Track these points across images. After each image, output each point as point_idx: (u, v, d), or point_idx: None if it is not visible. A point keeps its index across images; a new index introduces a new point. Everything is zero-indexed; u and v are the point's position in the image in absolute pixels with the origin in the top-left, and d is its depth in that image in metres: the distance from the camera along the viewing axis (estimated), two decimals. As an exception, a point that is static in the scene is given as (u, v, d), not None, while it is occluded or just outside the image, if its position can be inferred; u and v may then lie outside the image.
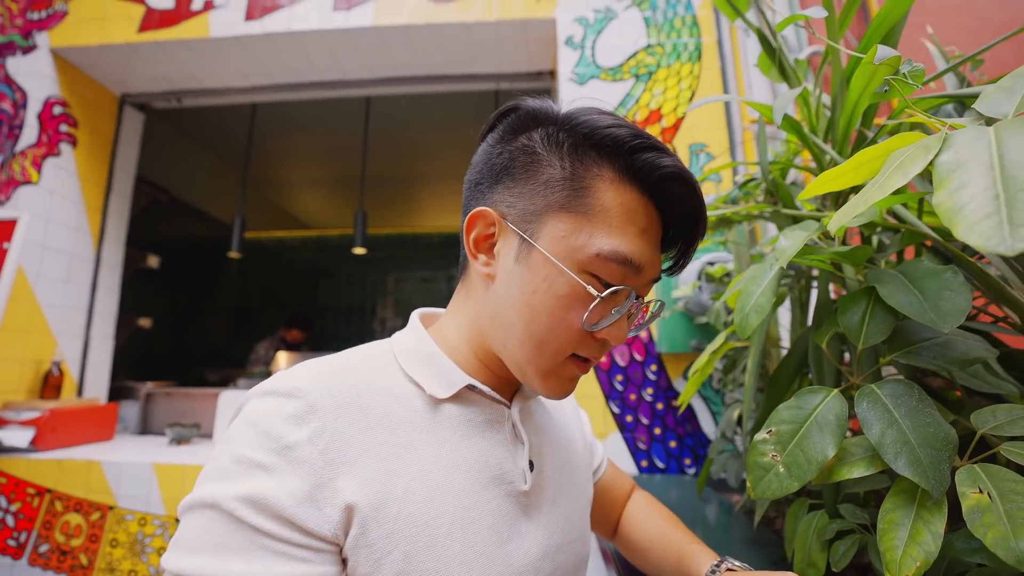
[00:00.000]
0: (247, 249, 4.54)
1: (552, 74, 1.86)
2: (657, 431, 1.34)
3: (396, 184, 3.95)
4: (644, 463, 1.33)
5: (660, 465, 1.32)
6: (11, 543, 1.56)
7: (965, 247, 0.54)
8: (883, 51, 0.42)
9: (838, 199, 0.67)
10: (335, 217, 4.73)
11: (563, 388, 0.45)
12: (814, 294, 0.74)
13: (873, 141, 0.63)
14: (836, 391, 0.46)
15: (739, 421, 0.97)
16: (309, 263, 4.67)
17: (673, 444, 1.33)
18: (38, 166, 1.88)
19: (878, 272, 0.50)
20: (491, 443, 0.45)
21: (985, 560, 0.37)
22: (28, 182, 1.86)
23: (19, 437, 1.62)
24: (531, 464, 0.47)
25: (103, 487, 1.54)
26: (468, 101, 2.24)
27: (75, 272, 1.99)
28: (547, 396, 0.45)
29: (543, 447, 0.51)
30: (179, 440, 1.83)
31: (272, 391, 0.38)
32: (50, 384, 1.84)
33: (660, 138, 1.50)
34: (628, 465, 1.34)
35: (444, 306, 0.53)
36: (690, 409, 1.35)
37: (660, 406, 1.34)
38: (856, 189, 0.61)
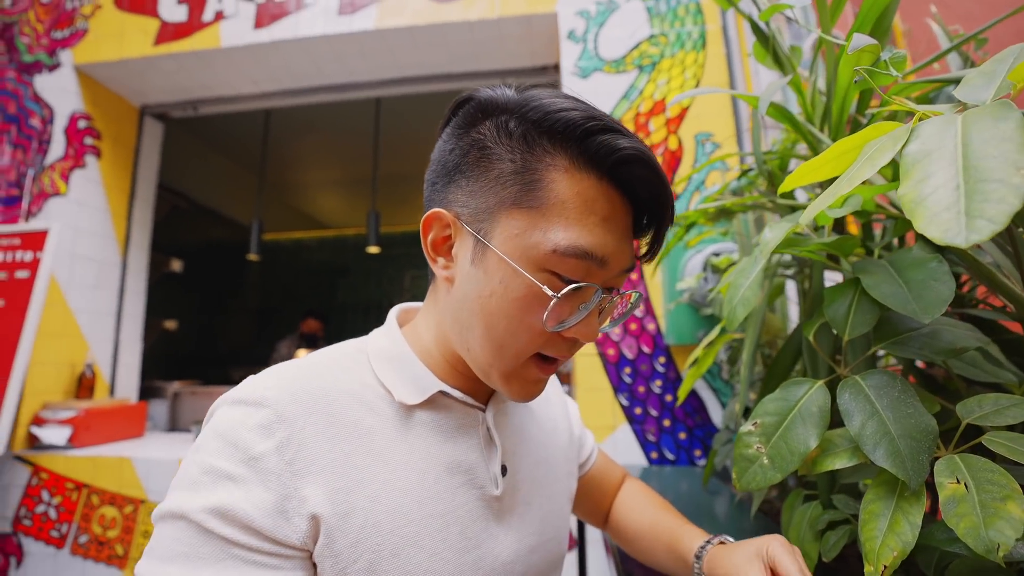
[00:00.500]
0: (267, 251, 4.65)
1: (556, 68, 1.86)
2: (667, 423, 1.34)
3: (410, 182, 3.99)
4: (654, 455, 1.33)
5: (670, 457, 1.32)
6: (54, 534, 1.65)
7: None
8: (858, 39, 0.41)
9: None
10: (352, 217, 4.81)
11: (528, 391, 0.43)
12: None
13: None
14: (820, 383, 0.46)
15: (746, 413, 0.97)
16: (327, 263, 4.76)
17: (683, 436, 1.33)
18: (66, 178, 1.97)
19: (865, 262, 0.49)
20: (463, 448, 0.45)
21: (963, 550, 0.37)
22: (57, 194, 1.94)
23: (57, 435, 1.71)
24: (504, 469, 0.47)
25: (134, 482, 1.61)
26: (475, 98, 2.23)
27: (103, 278, 2.08)
28: (513, 399, 0.44)
29: (519, 448, 0.51)
30: (205, 437, 1.89)
31: (240, 400, 0.38)
32: (84, 385, 1.93)
33: (665, 129, 1.49)
34: (638, 457, 1.34)
35: None
36: (699, 400, 1.34)
37: (669, 398, 1.34)
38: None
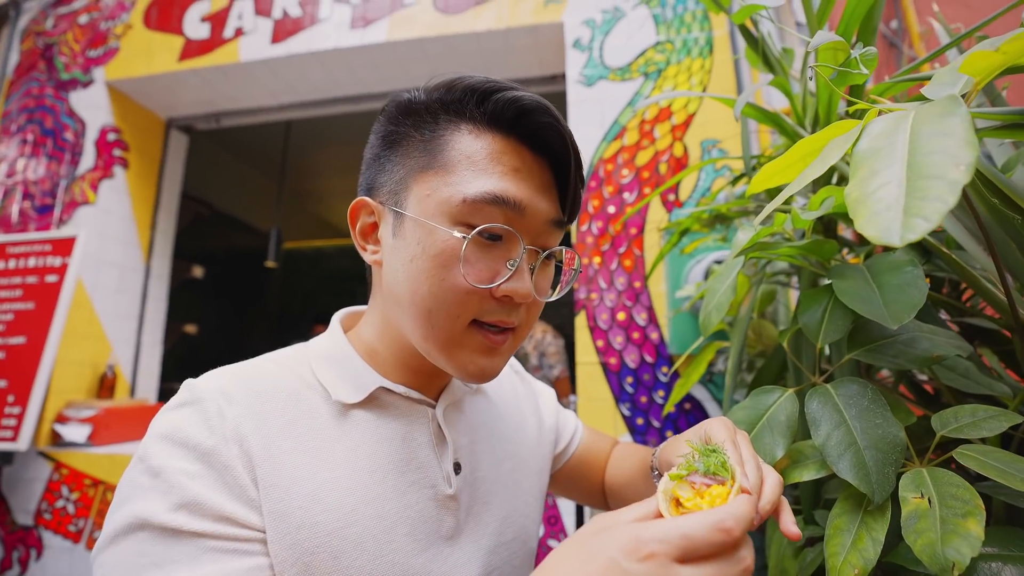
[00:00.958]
0: (288, 258, 4.78)
1: (564, 77, 1.86)
2: (669, 434, 1.30)
3: (426, 192, 4.03)
4: (656, 468, 1.30)
5: (672, 470, 1.29)
6: (72, 529, 1.71)
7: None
8: (820, 36, 0.40)
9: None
10: (370, 226, 4.88)
11: (478, 364, 0.41)
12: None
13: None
14: (790, 391, 0.45)
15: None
16: (347, 270, 4.85)
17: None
18: (95, 188, 2.07)
19: (842, 267, 0.48)
20: (413, 446, 0.44)
21: (923, 569, 0.34)
22: (86, 203, 2.04)
23: (78, 433, 1.78)
24: (457, 466, 0.46)
25: (148, 482, 1.66)
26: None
27: (127, 283, 2.17)
28: (465, 378, 0.42)
29: (477, 445, 0.49)
30: (217, 439, 1.94)
31: (180, 403, 0.37)
32: (105, 385, 2.00)
33: (671, 136, 1.47)
34: (641, 470, 1.31)
35: None
36: (703, 411, 1.31)
37: (672, 409, 1.31)
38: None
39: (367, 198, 0.44)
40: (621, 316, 1.41)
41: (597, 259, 1.47)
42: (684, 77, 1.49)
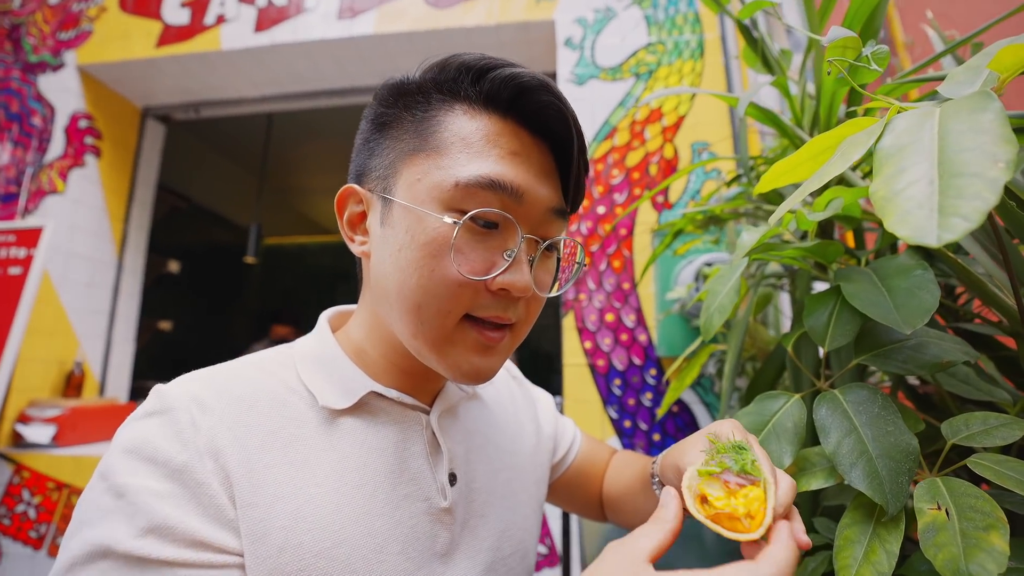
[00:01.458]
0: (269, 254, 4.67)
1: (554, 76, 1.85)
2: (656, 437, 1.30)
3: (411, 189, 3.99)
4: (644, 471, 1.29)
5: (660, 473, 1.28)
6: (32, 534, 1.63)
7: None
8: (835, 31, 0.39)
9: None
10: (353, 223, 4.80)
11: (472, 364, 0.38)
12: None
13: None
14: (796, 397, 0.43)
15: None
16: (328, 267, 4.76)
17: (673, 451, 1.29)
18: (64, 176, 1.97)
19: (848, 270, 0.47)
20: (405, 456, 0.40)
21: (942, 584, 0.33)
22: (54, 192, 1.95)
23: (41, 433, 1.69)
24: (453, 477, 0.43)
25: (116, 485, 1.59)
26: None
27: (98, 277, 2.08)
28: (458, 379, 0.38)
29: (473, 454, 0.47)
30: (191, 440, 1.87)
31: (148, 412, 0.34)
32: (72, 383, 1.91)
33: (661, 137, 1.47)
34: (628, 472, 1.30)
35: None
36: (690, 414, 1.31)
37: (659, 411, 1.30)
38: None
39: (355, 185, 0.41)
40: (610, 317, 1.40)
41: (586, 260, 1.46)
42: (675, 79, 1.49)
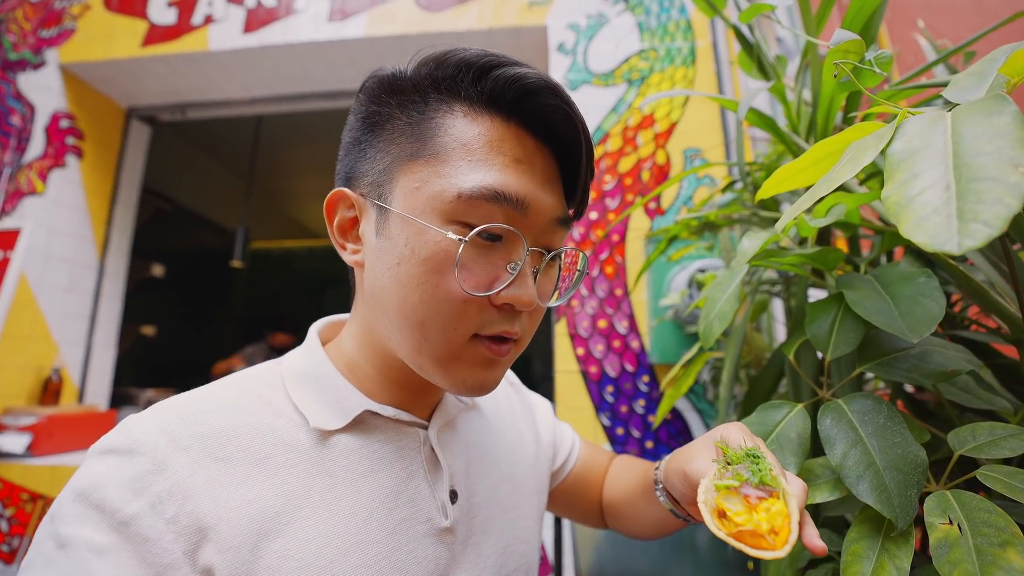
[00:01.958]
0: (256, 259, 4.60)
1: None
2: (649, 444, 1.29)
3: (402, 194, 3.96)
4: (637, 478, 1.28)
5: (653, 481, 1.27)
6: (3, 548, 1.56)
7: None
8: (840, 34, 0.39)
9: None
10: (343, 227, 4.76)
11: (477, 378, 0.36)
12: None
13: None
14: (800, 406, 0.42)
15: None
16: (317, 272, 4.70)
17: (666, 459, 1.28)
18: (44, 177, 1.92)
19: (850, 277, 0.46)
20: (401, 476, 0.38)
21: (955, 602, 0.32)
22: (33, 193, 1.89)
23: (15, 443, 1.63)
24: (454, 494, 0.41)
25: (94, 496, 1.53)
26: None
27: (78, 280, 2.02)
28: (461, 392, 0.37)
29: (472, 467, 0.45)
30: (174, 449, 1.82)
31: (109, 449, 0.31)
32: (49, 390, 1.85)
33: (654, 144, 1.47)
34: (621, 480, 1.29)
35: None
36: (683, 422, 1.30)
37: (652, 418, 1.29)
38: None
39: (346, 189, 0.38)
40: (602, 324, 1.39)
41: (588, 268, 1.45)
42: (667, 85, 1.50)
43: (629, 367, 1.34)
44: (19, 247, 1.72)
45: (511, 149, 0.35)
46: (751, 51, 0.71)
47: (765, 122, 0.60)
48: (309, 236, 4.97)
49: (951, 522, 0.31)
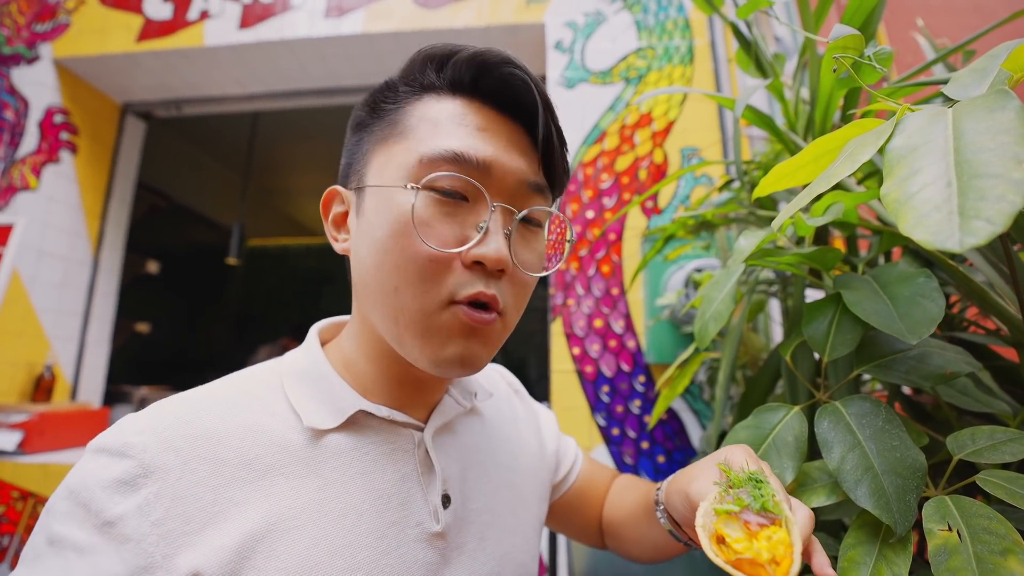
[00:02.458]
0: (252, 256, 4.58)
1: (543, 79, 1.84)
2: (645, 445, 1.28)
3: (399, 192, 3.94)
4: (632, 479, 1.27)
5: (648, 481, 1.26)
6: (-6, 549, 1.55)
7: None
8: (839, 29, 0.38)
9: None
10: (340, 225, 4.75)
11: (457, 349, 0.35)
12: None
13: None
14: (796, 409, 0.42)
15: (721, 438, 0.92)
16: (313, 270, 4.68)
17: (661, 459, 1.27)
18: (37, 172, 1.90)
19: (847, 277, 0.45)
20: (394, 479, 0.38)
21: (954, 610, 0.31)
22: (27, 188, 1.88)
23: (7, 440, 1.61)
24: (446, 499, 0.40)
25: (85, 494, 1.52)
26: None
27: (71, 277, 2.00)
28: (443, 366, 0.36)
29: (470, 472, 0.44)
30: (167, 447, 1.81)
31: (102, 448, 0.32)
32: (42, 387, 1.84)
33: (651, 142, 1.46)
34: (616, 481, 1.28)
35: None
36: (679, 422, 1.29)
37: (648, 419, 1.29)
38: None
39: (338, 187, 0.42)
40: (598, 323, 1.39)
41: (575, 264, 1.44)
42: (665, 84, 1.49)
43: (625, 367, 1.34)
44: (12, 242, 1.71)
45: (473, 120, 0.36)
46: (749, 49, 0.70)
47: (763, 120, 0.59)
48: (305, 233, 4.95)
49: (950, 528, 0.31)
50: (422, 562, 0.37)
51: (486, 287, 0.35)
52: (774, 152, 0.80)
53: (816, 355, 0.53)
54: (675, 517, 0.39)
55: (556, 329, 1.41)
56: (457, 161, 0.35)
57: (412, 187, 0.34)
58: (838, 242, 0.71)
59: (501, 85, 0.37)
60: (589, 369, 1.35)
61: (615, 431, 1.30)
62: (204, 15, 1.86)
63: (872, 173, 0.56)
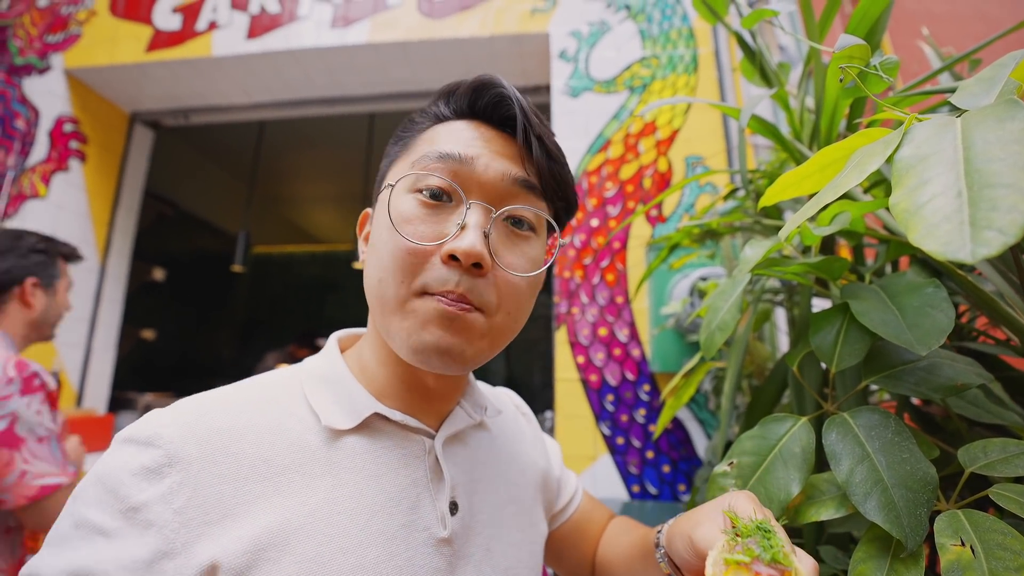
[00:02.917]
0: (257, 263, 4.60)
1: (548, 89, 1.85)
2: (650, 455, 1.27)
3: (404, 200, 3.97)
4: (636, 488, 1.26)
5: (652, 491, 1.25)
6: (-3, 557, 1.54)
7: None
8: (845, 39, 0.38)
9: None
10: (344, 232, 4.78)
11: (434, 336, 0.35)
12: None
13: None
14: (804, 420, 0.41)
15: (727, 448, 0.91)
16: (317, 277, 4.70)
17: (667, 469, 1.26)
18: (47, 181, 1.93)
19: (855, 287, 0.45)
20: (405, 482, 0.39)
21: (968, 629, 0.31)
22: (36, 196, 1.90)
23: (11, 448, 1.62)
24: (454, 506, 0.41)
25: (88, 501, 1.52)
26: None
27: (79, 283, 2.02)
28: (421, 353, 0.36)
29: (478, 484, 0.44)
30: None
31: (130, 438, 0.33)
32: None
33: (655, 151, 1.46)
34: (619, 490, 1.27)
35: None
36: (685, 432, 1.28)
37: (653, 428, 1.28)
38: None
39: (370, 209, 0.46)
40: (603, 332, 1.38)
41: (579, 273, 1.44)
42: (669, 93, 1.49)
43: (630, 376, 1.33)
44: (20, 250, 1.72)
45: (468, 134, 0.40)
46: (753, 58, 0.70)
47: (768, 129, 0.59)
48: (310, 241, 4.98)
49: (963, 544, 0.30)
50: (428, 566, 0.37)
51: (458, 283, 0.36)
52: (779, 161, 0.80)
53: (823, 365, 0.53)
54: (676, 561, 0.38)
55: (560, 337, 1.40)
56: (442, 159, 0.38)
57: (390, 185, 0.39)
58: (844, 251, 0.71)
59: (493, 103, 0.40)
60: (594, 378, 1.35)
61: (620, 440, 1.29)
62: (212, 26, 1.89)
63: (878, 182, 0.56)
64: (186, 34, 1.90)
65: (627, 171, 1.48)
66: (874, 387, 0.51)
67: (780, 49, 1.48)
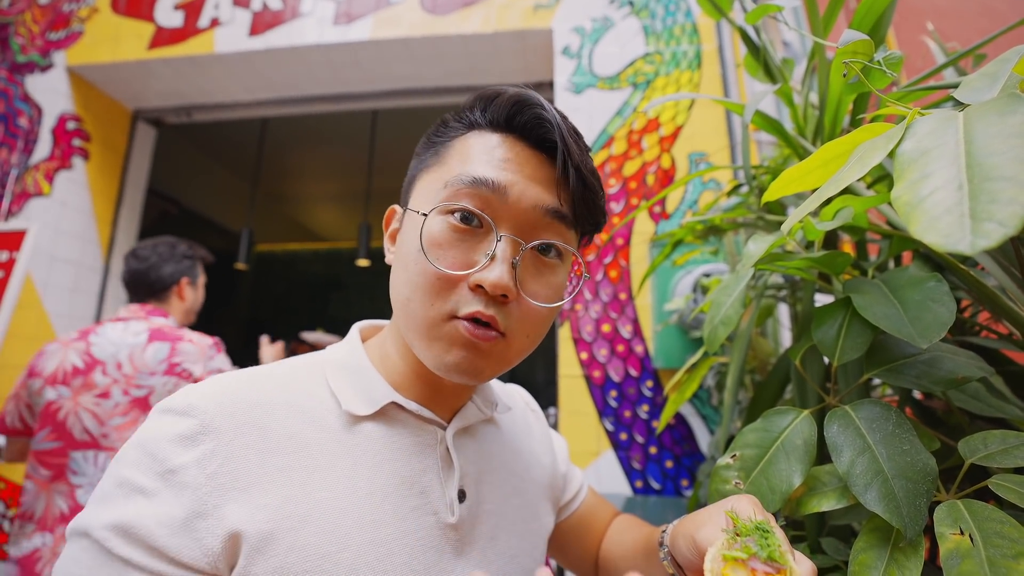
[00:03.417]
0: (260, 261, 4.62)
1: (551, 85, 1.85)
2: (653, 450, 1.28)
3: (406, 197, 3.97)
4: (639, 483, 1.27)
5: (655, 486, 1.26)
6: (6, 548, 1.56)
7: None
8: (848, 34, 0.38)
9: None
10: (347, 230, 4.78)
11: (456, 357, 0.37)
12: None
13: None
14: (806, 412, 0.42)
15: (729, 442, 0.91)
16: (320, 275, 4.71)
17: (669, 464, 1.27)
18: (50, 179, 1.94)
19: (857, 281, 0.45)
20: (418, 469, 0.41)
21: (967, 615, 0.31)
22: (40, 194, 1.91)
23: (19, 444, 1.63)
24: (462, 494, 0.43)
25: (95, 496, 1.53)
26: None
27: (83, 282, 2.03)
28: (445, 370, 0.38)
29: (486, 475, 0.46)
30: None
31: (168, 408, 0.36)
32: (53, 392, 1.86)
33: (659, 147, 1.46)
34: (622, 485, 1.28)
35: None
36: (687, 427, 1.29)
37: (656, 424, 1.28)
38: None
39: (396, 206, 0.47)
40: (606, 328, 1.39)
41: (584, 273, 1.44)
42: (673, 89, 1.49)
43: (633, 371, 1.33)
44: (25, 248, 1.73)
45: (502, 153, 0.39)
46: (757, 54, 0.70)
47: (771, 125, 0.59)
48: (313, 239, 4.99)
49: (962, 533, 0.30)
50: (437, 548, 0.39)
51: (485, 308, 0.37)
52: (783, 156, 0.80)
53: (826, 359, 0.53)
54: (679, 561, 0.39)
55: (564, 334, 1.41)
56: (475, 185, 0.37)
57: (423, 214, 0.38)
58: (847, 246, 0.71)
59: (533, 122, 0.39)
60: (597, 374, 1.35)
61: (623, 436, 1.30)
62: (215, 22, 1.89)
63: (881, 177, 0.56)
64: (188, 31, 1.91)
65: (630, 167, 1.48)
66: (876, 381, 0.52)
67: (784, 45, 1.48)
